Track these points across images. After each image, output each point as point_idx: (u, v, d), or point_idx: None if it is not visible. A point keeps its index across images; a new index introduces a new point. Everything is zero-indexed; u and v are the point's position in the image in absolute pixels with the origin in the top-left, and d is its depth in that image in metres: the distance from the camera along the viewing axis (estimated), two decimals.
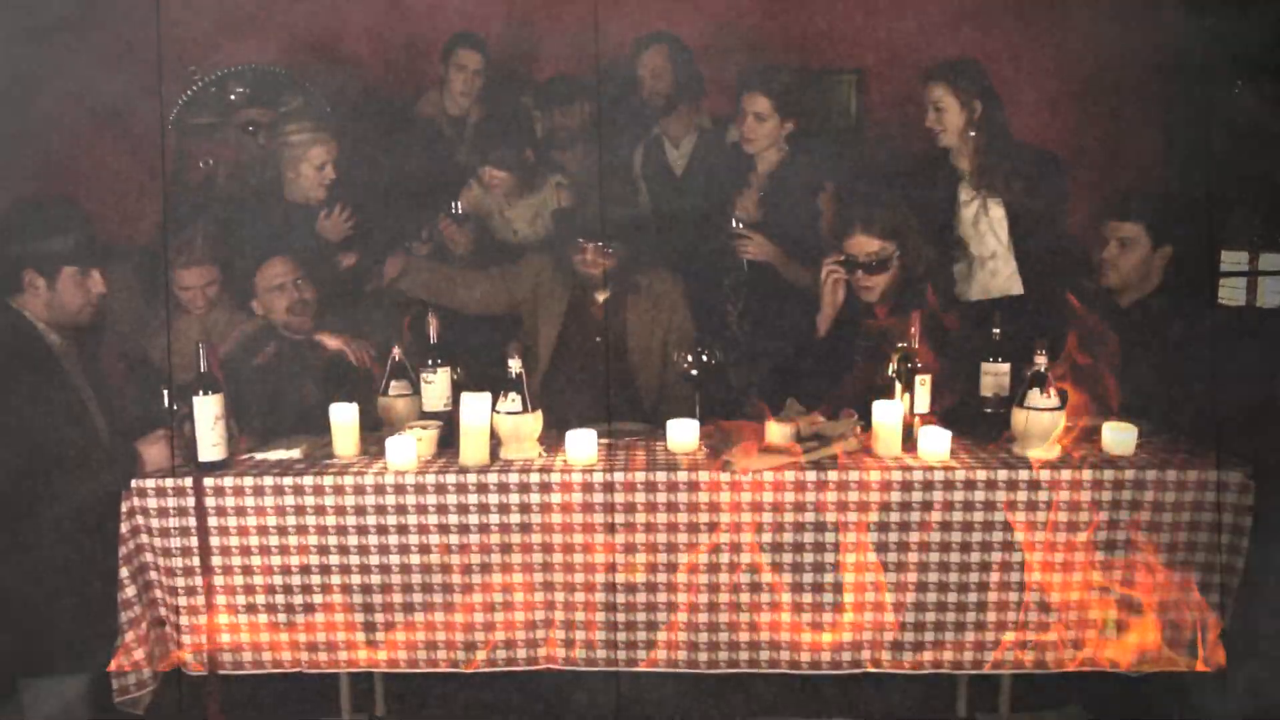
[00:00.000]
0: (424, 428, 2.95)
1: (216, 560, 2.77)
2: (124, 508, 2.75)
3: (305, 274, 3.42)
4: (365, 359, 3.41)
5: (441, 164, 3.99)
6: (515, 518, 2.75)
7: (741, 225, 3.65)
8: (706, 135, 4.04)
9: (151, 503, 2.75)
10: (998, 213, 3.56)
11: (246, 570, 2.78)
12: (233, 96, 4.03)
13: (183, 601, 2.79)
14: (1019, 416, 2.81)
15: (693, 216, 3.83)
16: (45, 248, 2.92)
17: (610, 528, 2.74)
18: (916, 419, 2.88)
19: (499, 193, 3.88)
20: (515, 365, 2.84)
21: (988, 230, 3.58)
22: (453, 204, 3.80)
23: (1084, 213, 3.64)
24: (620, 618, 2.79)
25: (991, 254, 3.59)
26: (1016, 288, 3.58)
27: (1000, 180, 3.53)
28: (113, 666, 2.74)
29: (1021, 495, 2.69)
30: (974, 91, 3.50)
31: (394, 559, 2.77)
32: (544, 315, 3.62)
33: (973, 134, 3.53)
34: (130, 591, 2.76)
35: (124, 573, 2.75)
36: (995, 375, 2.99)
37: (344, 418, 2.94)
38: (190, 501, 2.74)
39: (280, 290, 3.38)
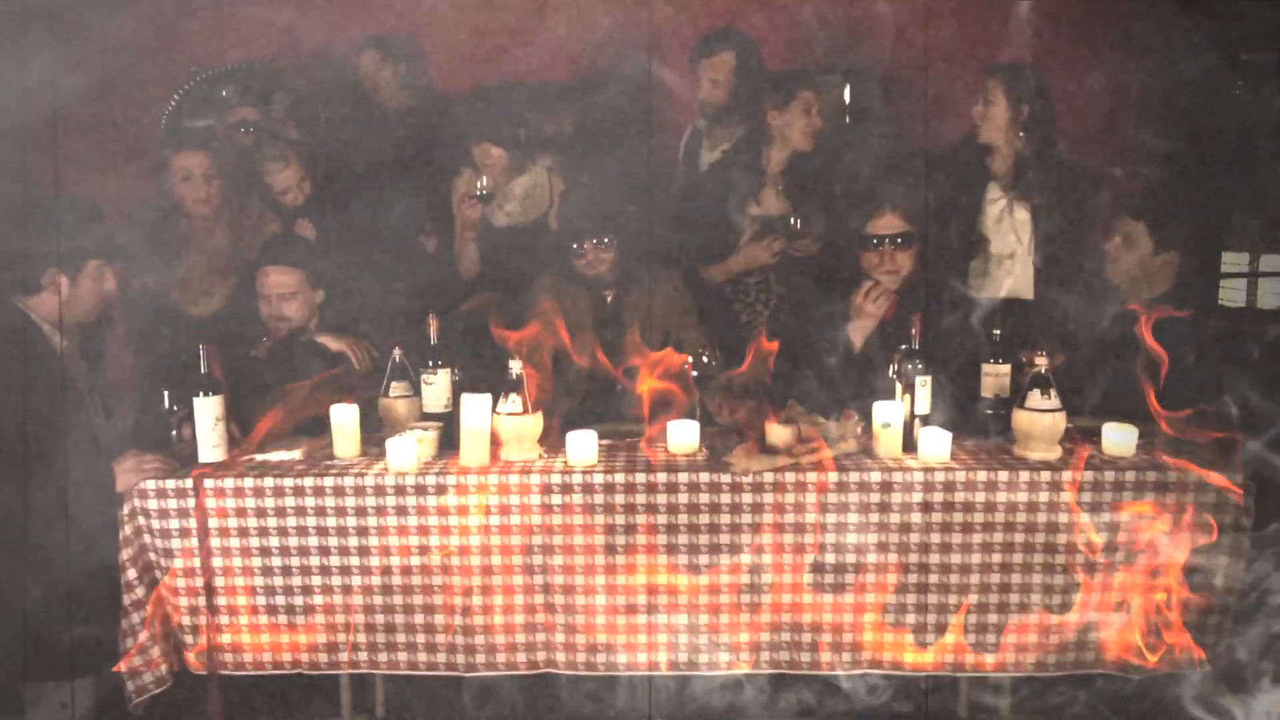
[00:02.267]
0: (425, 429, 2.96)
1: (217, 561, 2.77)
2: (125, 509, 2.75)
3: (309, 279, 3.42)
4: (367, 361, 3.41)
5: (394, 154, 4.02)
6: (515, 519, 2.75)
7: (799, 223, 3.61)
8: (740, 144, 3.91)
9: (152, 504, 2.75)
10: (1023, 216, 3.59)
11: (247, 571, 2.78)
12: (224, 94, 4.07)
13: (183, 602, 2.79)
14: (1020, 418, 2.82)
15: (707, 218, 3.81)
16: (71, 245, 2.93)
17: (610, 529, 2.74)
18: (917, 420, 2.88)
19: (494, 171, 3.88)
20: (515, 366, 2.84)
21: (1010, 231, 3.60)
22: (478, 183, 3.81)
23: (1101, 205, 3.66)
24: (620, 620, 2.79)
25: (1010, 254, 3.60)
26: (1027, 292, 3.60)
27: (1033, 186, 3.55)
28: (128, 667, 2.74)
29: (1021, 496, 2.69)
30: (1025, 95, 3.53)
31: (394, 560, 2.77)
32: (575, 323, 3.59)
33: (1019, 135, 3.55)
34: (140, 592, 2.76)
35: (131, 574, 2.75)
36: (995, 376, 3.00)
37: (344, 419, 2.94)
38: (190, 502, 2.74)
39: (292, 297, 3.38)
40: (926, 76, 4.30)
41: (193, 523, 2.75)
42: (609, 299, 3.59)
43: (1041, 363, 2.80)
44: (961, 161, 3.68)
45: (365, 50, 4.17)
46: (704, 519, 2.73)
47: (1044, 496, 2.69)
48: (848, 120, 3.75)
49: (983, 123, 3.59)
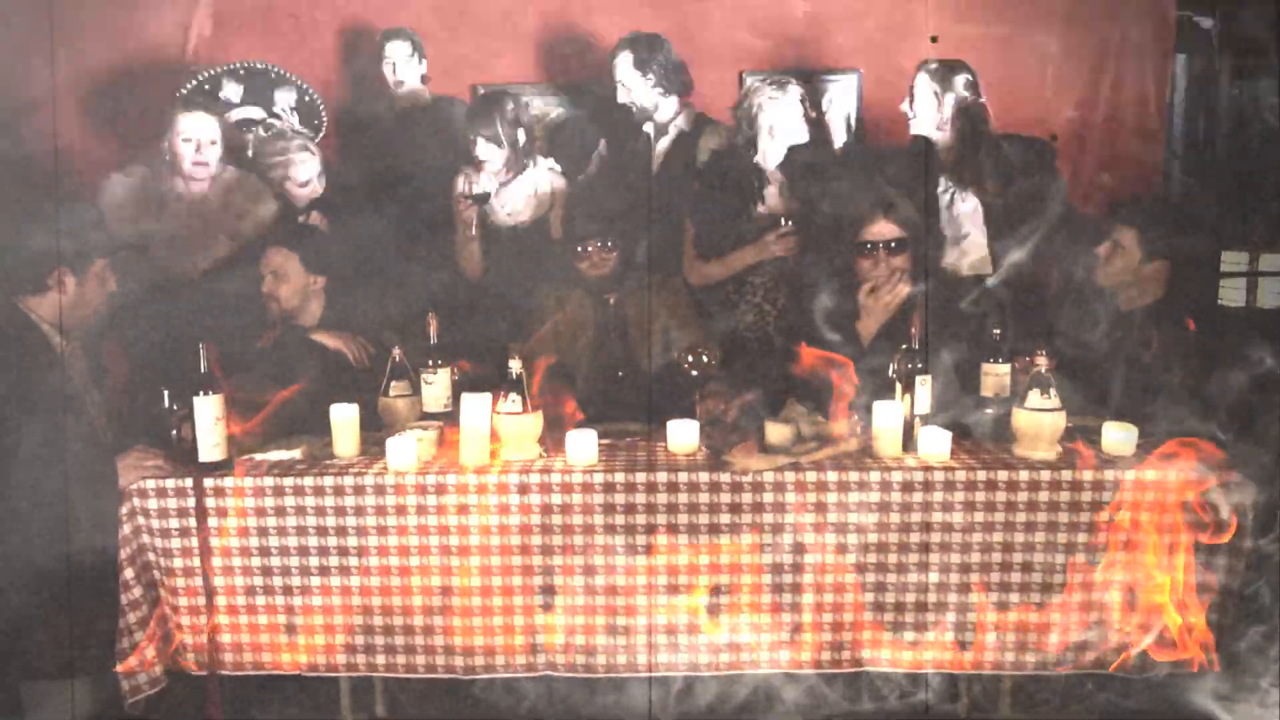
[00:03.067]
0: (424, 428, 2.95)
1: (216, 561, 2.77)
2: (124, 509, 2.75)
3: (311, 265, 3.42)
4: (365, 359, 3.41)
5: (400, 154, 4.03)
6: (515, 519, 2.75)
7: (790, 223, 3.63)
8: (684, 137, 3.96)
9: (152, 503, 2.75)
10: (972, 202, 3.62)
11: (246, 571, 2.78)
12: (224, 94, 4.08)
13: (183, 602, 2.79)
14: (1019, 418, 2.82)
15: (666, 217, 3.80)
16: (76, 245, 2.93)
17: (610, 529, 2.74)
18: (917, 419, 2.88)
19: (490, 171, 3.87)
20: (515, 366, 2.84)
21: (961, 214, 3.64)
22: (470, 184, 3.80)
23: (1091, 209, 3.68)
24: (620, 620, 2.78)
25: (965, 235, 3.64)
26: (987, 268, 3.64)
27: (975, 171, 3.61)
28: (124, 667, 2.73)
29: (1022, 495, 2.69)
30: (949, 85, 3.62)
31: (394, 560, 2.76)
32: (579, 325, 3.58)
33: (948, 125, 3.63)
34: (137, 592, 2.76)
35: (129, 573, 2.75)
36: (995, 375, 3.00)
37: (344, 418, 2.94)
38: (190, 502, 2.74)
39: (285, 278, 3.38)
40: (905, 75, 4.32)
41: (192, 522, 2.75)
42: (612, 301, 3.59)
43: (1041, 363, 2.80)
44: (917, 156, 3.74)
45: (392, 41, 4.17)
46: (704, 519, 2.73)
47: (1044, 496, 2.69)
48: (828, 120, 3.78)
49: (912, 117, 3.67)
